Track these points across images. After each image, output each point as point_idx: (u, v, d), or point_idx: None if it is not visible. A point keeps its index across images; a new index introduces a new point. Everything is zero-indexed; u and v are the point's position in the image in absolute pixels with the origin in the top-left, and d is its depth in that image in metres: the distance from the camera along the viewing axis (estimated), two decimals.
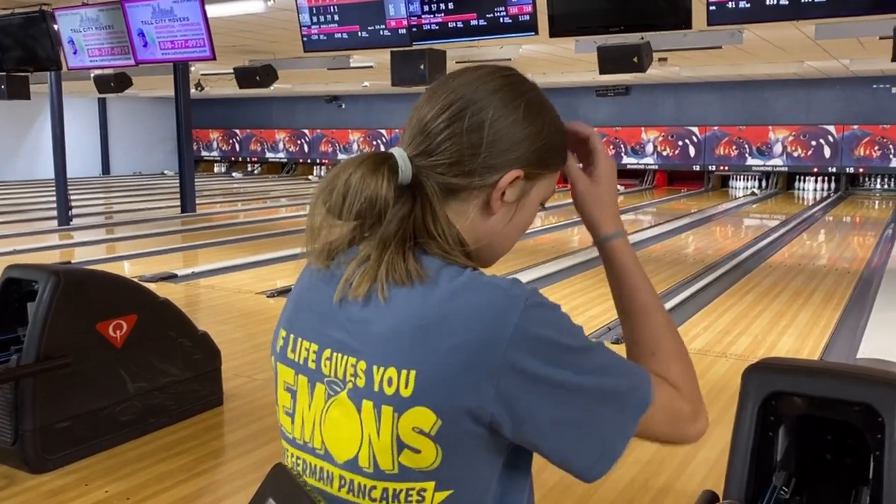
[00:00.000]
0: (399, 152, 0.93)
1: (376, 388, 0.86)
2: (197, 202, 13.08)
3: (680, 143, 17.52)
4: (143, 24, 7.21)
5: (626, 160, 18.04)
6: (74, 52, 7.84)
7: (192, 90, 13.65)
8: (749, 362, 2.15)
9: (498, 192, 0.94)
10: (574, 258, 8.32)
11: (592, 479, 0.88)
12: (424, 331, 0.85)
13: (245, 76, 10.52)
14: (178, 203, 12.80)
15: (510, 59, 11.38)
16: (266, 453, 3.36)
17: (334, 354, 0.91)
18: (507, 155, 0.94)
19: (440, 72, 7.04)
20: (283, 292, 6.37)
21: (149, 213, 12.96)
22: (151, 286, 4.97)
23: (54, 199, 11.37)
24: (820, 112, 16.11)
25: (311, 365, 0.93)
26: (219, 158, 23.82)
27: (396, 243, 0.90)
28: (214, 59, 6.98)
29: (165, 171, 22.25)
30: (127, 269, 7.75)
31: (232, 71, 10.67)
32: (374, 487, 0.88)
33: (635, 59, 8.45)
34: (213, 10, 6.95)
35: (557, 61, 12.51)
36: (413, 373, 0.84)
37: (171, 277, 7.31)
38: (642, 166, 17.96)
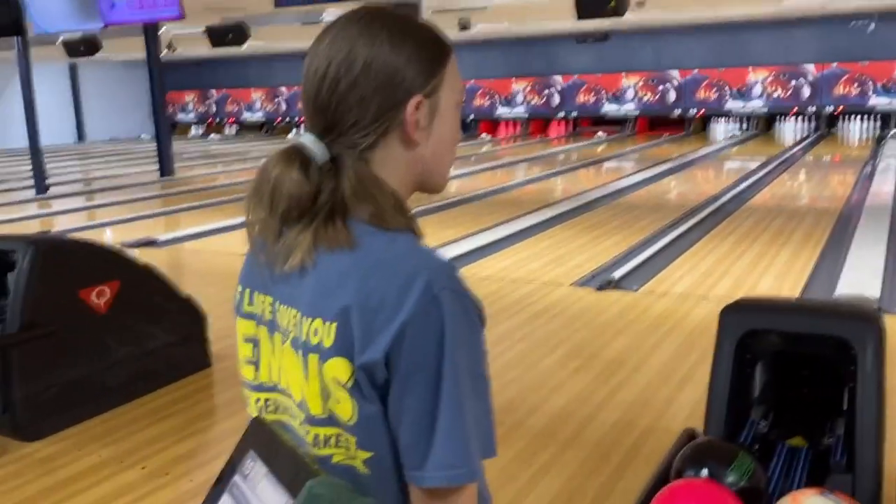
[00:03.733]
0: (308, 138, 0.96)
1: (305, 338, 0.92)
2: (176, 166, 12.95)
3: (660, 87, 17.45)
4: None
5: (606, 107, 17.97)
6: (40, 17, 7.67)
7: (164, 52, 13.40)
8: None
9: (410, 125, 0.96)
10: (557, 208, 8.34)
11: None
12: (346, 289, 0.90)
13: (217, 35, 10.35)
14: (157, 168, 12.67)
15: (486, 8, 11.24)
16: None
17: (281, 306, 0.98)
18: (398, 89, 0.95)
19: None
20: None
21: (127, 178, 12.81)
22: (133, 252, 4.96)
23: (30, 168, 11.22)
24: (798, 51, 16.07)
25: (268, 316, 1.00)
26: (195, 121, 23.49)
27: (325, 214, 0.94)
28: (184, 18, 6.86)
29: (142, 136, 21.95)
30: (107, 237, 7.70)
31: (204, 30, 10.48)
32: (307, 432, 0.95)
33: (612, 4, 8.38)
34: None
35: (534, 8, 12.36)
36: (335, 325, 0.89)
37: (152, 243, 7.28)
38: (623, 113, 17.89)
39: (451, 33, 13.84)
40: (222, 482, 0.90)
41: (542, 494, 2.66)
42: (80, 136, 22.31)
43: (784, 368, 2.18)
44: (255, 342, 1.03)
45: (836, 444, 1.95)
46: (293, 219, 0.94)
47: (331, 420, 0.91)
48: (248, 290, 1.04)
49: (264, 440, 0.85)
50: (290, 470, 0.80)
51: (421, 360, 0.86)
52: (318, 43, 0.97)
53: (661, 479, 1.84)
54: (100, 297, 3.47)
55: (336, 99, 0.94)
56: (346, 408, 0.90)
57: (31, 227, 8.51)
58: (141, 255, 4.18)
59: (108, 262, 3.65)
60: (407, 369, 0.87)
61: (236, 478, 0.85)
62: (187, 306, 3.93)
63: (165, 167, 12.52)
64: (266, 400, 1.03)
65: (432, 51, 0.98)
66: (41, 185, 11.03)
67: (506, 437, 3.04)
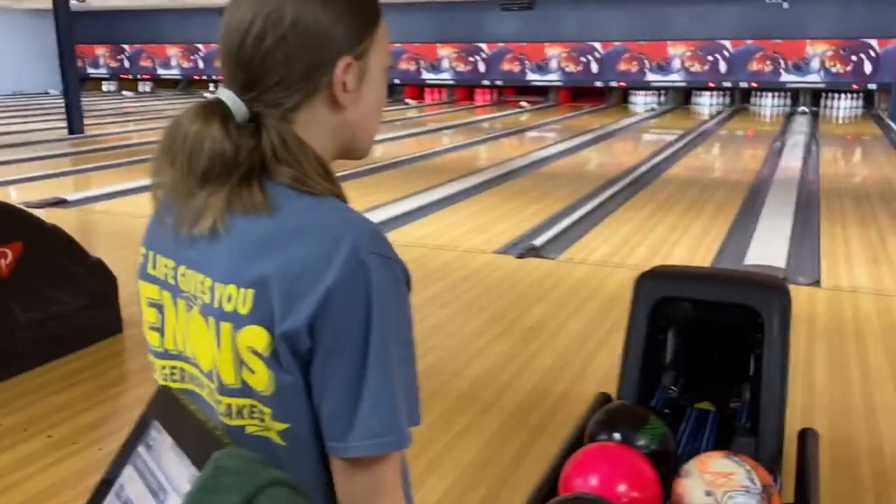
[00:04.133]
0: (226, 95, 0.90)
1: (217, 305, 0.88)
2: (85, 123, 12.39)
3: (583, 59, 17.63)
4: None
5: (530, 77, 18.06)
6: None
7: (73, 1, 12.73)
8: None
9: (338, 86, 0.92)
10: (481, 176, 8.37)
11: None
12: (265, 255, 0.86)
13: None
14: (65, 124, 12.10)
15: None
16: None
17: (187, 271, 0.93)
18: (327, 48, 0.90)
19: None
20: None
21: (33, 135, 12.19)
22: (40, 212, 4.72)
23: None
24: (716, 27, 16.48)
25: (171, 280, 0.95)
26: (107, 76, 22.50)
27: (241, 176, 0.89)
28: None
29: (49, 91, 20.89)
30: (11, 195, 7.31)
31: None
32: (219, 402, 0.91)
33: None
34: None
35: None
36: (251, 292, 0.85)
37: (60, 203, 6.96)
38: (546, 83, 18.03)
39: None
40: (125, 453, 0.86)
41: (459, 459, 2.69)
42: None
43: (695, 335, 2.26)
44: (159, 307, 0.98)
45: (741, 409, 2.03)
46: (211, 179, 0.89)
47: (244, 390, 0.88)
48: (151, 253, 0.99)
49: (170, 409, 0.82)
50: (196, 441, 0.77)
51: (347, 328, 0.83)
52: None
53: (576, 442, 1.88)
54: (0, 259, 3.30)
55: (260, 54, 0.89)
56: (261, 378, 0.86)
57: None
58: (47, 216, 3.98)
59: (8, 223, 3.47)
60: (332, 337, 0.84)
61: (140, 448, 0.82)
62: (96, 269, 3.78)
63: (74, 124, 11.96)
64: (172, 368, 0.99)
65: (364, 11, 0.94)
66: None
67: (425, 402, 3.03)
